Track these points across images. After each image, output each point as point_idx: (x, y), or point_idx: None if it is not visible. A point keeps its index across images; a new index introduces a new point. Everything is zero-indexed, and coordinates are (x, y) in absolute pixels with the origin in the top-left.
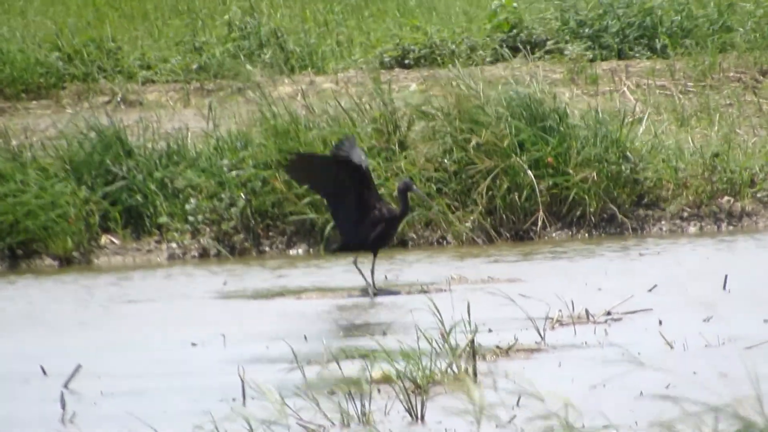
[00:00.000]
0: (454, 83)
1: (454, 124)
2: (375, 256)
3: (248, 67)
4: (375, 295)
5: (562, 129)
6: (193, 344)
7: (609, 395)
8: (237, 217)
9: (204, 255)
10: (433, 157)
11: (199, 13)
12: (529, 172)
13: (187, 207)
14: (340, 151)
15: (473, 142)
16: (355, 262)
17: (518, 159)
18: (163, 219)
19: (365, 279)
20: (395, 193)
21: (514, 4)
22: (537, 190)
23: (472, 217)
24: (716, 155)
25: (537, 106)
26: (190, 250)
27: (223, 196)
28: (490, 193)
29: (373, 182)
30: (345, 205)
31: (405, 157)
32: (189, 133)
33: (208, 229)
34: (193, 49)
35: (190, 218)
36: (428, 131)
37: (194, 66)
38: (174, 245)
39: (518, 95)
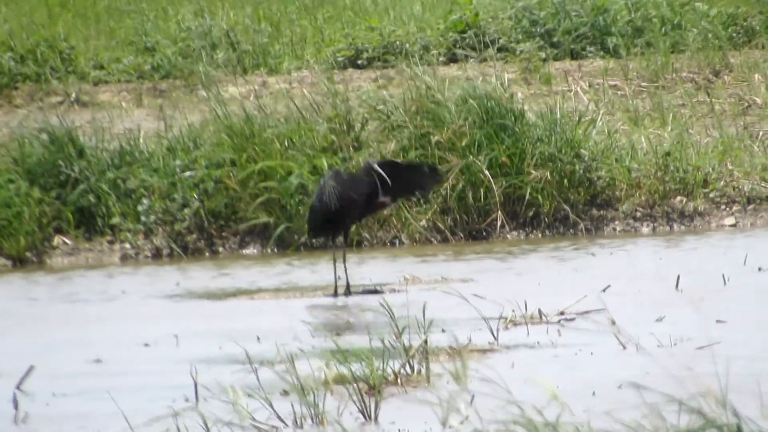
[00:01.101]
0: (411, 81)
1: (413, 122)
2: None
3: (201, 67)
4: (348, 293)
5: (517, 129)
6: (146, 344)
7: (562, 395)
8: (190, 218)
9: (157, 255)
10: (389, 155)
11: (148, 13)
12: (486, 171)
13: (140, 207)
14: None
15: (433, 140)
16: (334, 258)
17: (475, 159)
18: (116, 219)
19: (335, 276)
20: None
21: (473, 3)
22: (493, 189)
23: (426, 217)
24: (668, 154)
25: (493, 105)
26: (143, 250)
27: (175, 196)
28: (446, 192)
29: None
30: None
31: (360, 156)
32: (141, 134)
33: (161, 230)
34: (145, 49)
35: (143, 219)
36: (384, 130)
37: (146, 66)
38: (127, 245)
39: (475, 94)
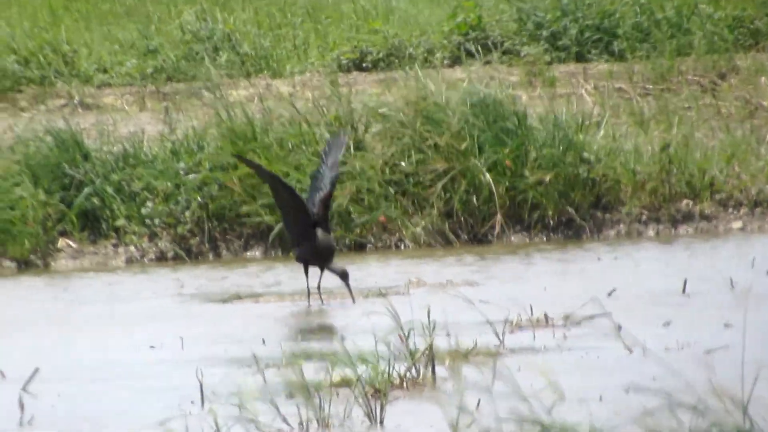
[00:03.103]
0: (412, 84)
1: (414, 125)
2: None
3: (204, 70)
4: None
5: (520, 131)
6: (151, 347)
7: (569, 399)
8: (193, 220)
9: (161, 258)
10: (391, 158)
11: (152, 16)
12: (487, 174)
13: (144, 210)
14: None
15: (432, 142)
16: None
17: (477, 161)
18: (121, 222)
19: (308, 288)
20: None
21: (477, 5)
22: (495, 192)
23: (430, 220)
24: (667, 146)
25: (497, 107)
26: (148, 253)
27: (179, 199)
28: (448, 195)
29: (319, 208)
30: (289, 219)
31: (362, 158)
32: (145, 136)
33: (165, 232)
34: (148, 52)
35: (147, 221)
36: (386, 133)
37: (149, 69)
38: (131, 248)
39: (478, 96)
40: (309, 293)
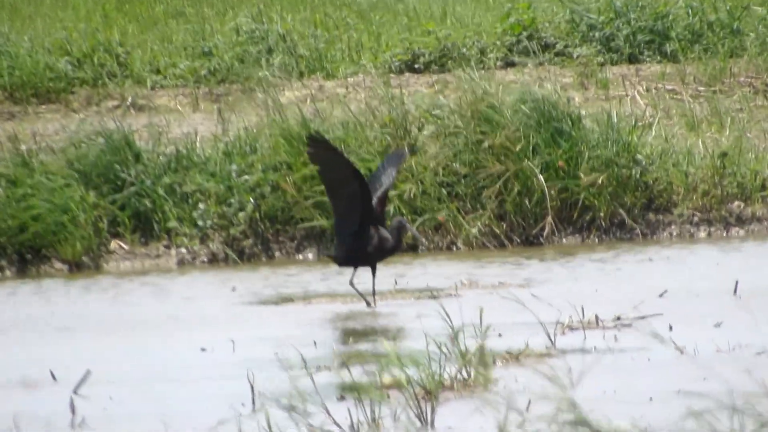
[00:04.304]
0: (467, 85)
1: (469, 127)
2: (373, 271)
3: (258, 71)
4: (369, 305)
5: (573, 133)
6: (203, 349)
7: (620, 400)
8: (246, 222)
9: (213, 260)
10: (444, 159)
11: (207, 17)
12: (540, 176)
13: (196, 212)
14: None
15: (487, 144)
16: (351, 282)
17: (530, 163)
18: (172, 224)
19: (361, 295)
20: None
21: (530, 6)
22: (547, 194)
23: (482, 222)
24: (724, 154)
25: (551, 109)
26: (200, 255)
27: (231, 200)
28: (501, 197)
29: (376, 206)
30: (346, 214)
31: (416, 159)
32: (198, 138)
33: (217, 234)
34: (202, 54)
35: (199, 223)
36: (439, 134)
37: (203, 71)
38: (183, 250)
39: (532, 98)
40: (374, 292)
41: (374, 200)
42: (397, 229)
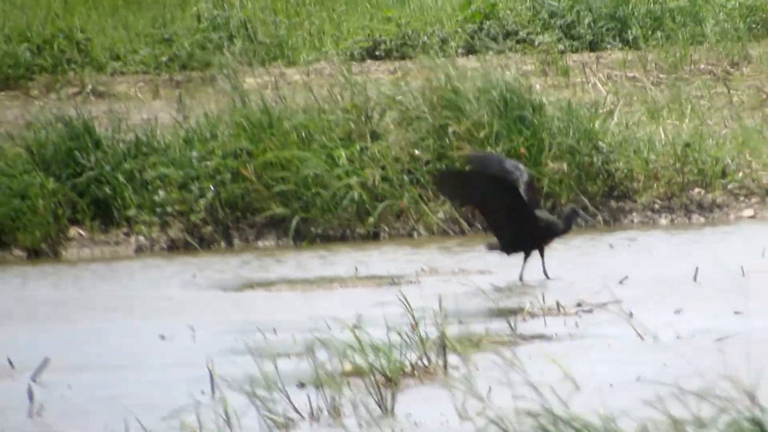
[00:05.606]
0: (429, 72)
1: (432, 113)
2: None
3: (218, 58)
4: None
5: (535, 120)
6: (162, 337)
7: (580, 387)
8: (206, 209)
9: (173, 247)
10: (407, 146)
11: (168, 4)
12: None
13: (156, 199)
14: (506, 174)
15: (450, 130)
16: (520, 276)
17: (493, 150)
18: (132, 211)
19: (521, 274)
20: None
21: None
22: None
23: (444, 208)
24: (687, 145)
25: (512, 96)
26: (159, 242)
27: (192, 187)
28: None
29: (528, 196)
30: (501, 216)
31: (378, 146)
32: (158, 125)
33: (176, 221)
34: (162, 41)
35: (159, 210)
36: (402, 120)
37: (163, 58)
38: (142, 237)
39: (494, 85)
40: (545, 271)
41: (522, 188)
42: (568, 216)
